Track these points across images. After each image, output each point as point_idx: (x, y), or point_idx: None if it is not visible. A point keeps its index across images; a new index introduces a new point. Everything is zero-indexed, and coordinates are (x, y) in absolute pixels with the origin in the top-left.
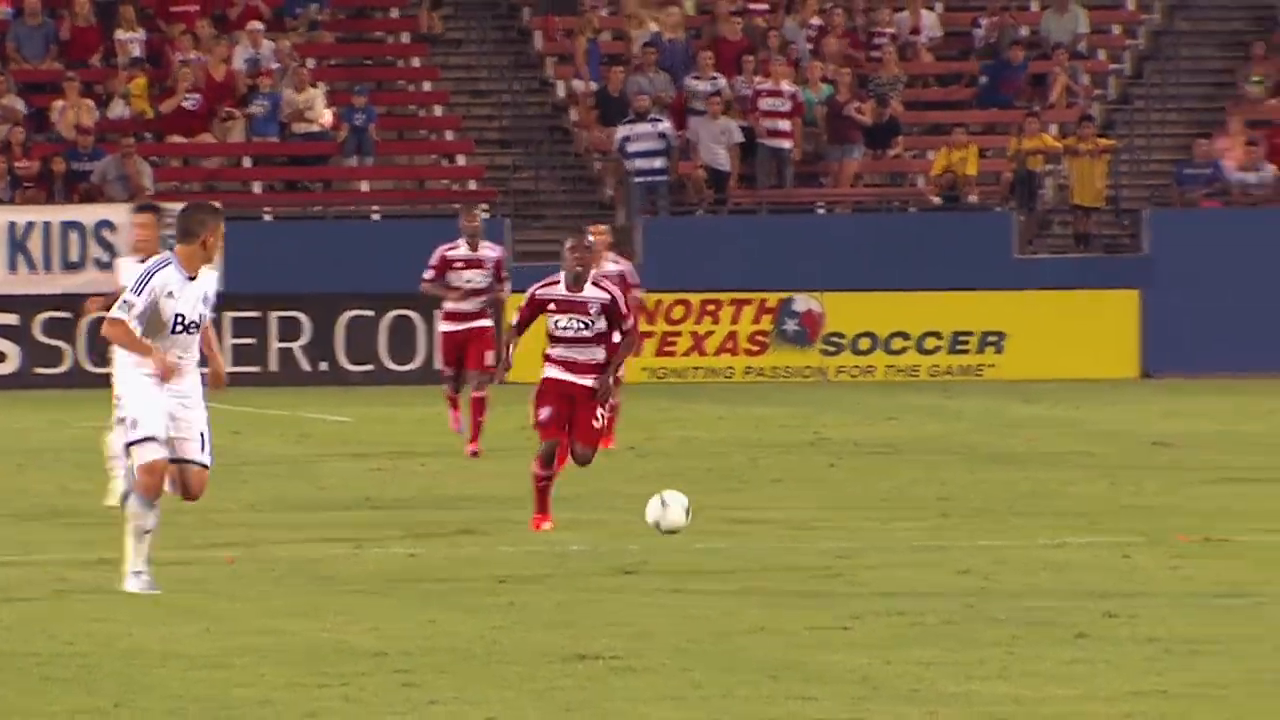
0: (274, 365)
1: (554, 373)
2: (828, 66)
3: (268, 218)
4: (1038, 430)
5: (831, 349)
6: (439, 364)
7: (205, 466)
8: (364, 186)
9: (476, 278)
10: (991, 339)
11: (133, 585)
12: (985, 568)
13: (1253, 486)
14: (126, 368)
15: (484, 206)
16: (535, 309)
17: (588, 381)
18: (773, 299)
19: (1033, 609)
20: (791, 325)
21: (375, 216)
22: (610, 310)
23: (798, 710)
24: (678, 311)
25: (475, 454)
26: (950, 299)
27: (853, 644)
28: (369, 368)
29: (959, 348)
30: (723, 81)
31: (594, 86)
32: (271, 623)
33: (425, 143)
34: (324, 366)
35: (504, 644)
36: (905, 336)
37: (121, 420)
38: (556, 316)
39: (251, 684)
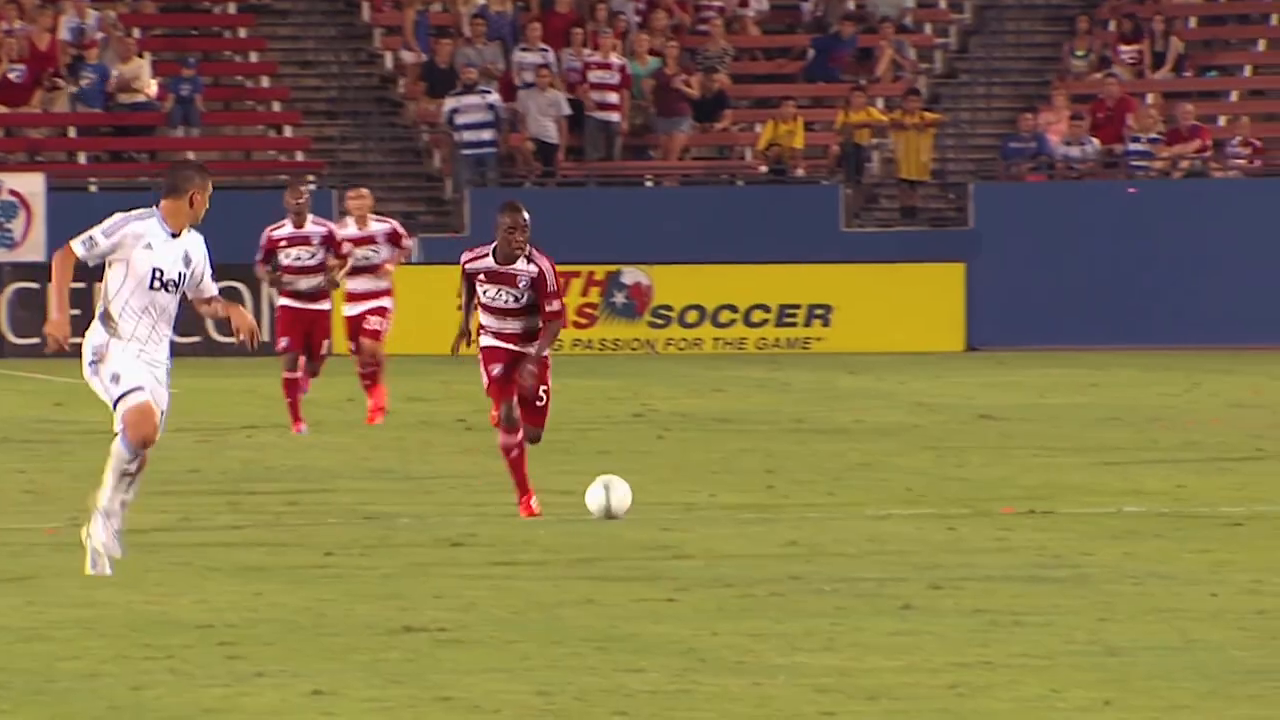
0: None
1: (490, 341)
2: (655, 39)
3: (94, 189)
4: (864, 402)
5: (660, 322)
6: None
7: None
8: (190, 157)
9: (304, 255)
10: (819, 312)
11: (98, 534)
12: (812, 539)
13: (1075, 459)
14: (95, 334)
15: (311, 180)
16: (468, 278)
17: (525, 349)
18: (601, 272)
19: (859, 581)
20: (620, 298)
21: None
22: (537, 284)
23: (624, 682)
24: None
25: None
26: (778, 272)
27: (679, 616)
28: (195, 339)
29: (786, 320)
30: (551, 54)
31: (422, 58)
32: (95, 595)
33: (252, 113)
34: None
35: (330, 616)
36: (733, 309)
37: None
38: (485, 287)
39: (76, 657)
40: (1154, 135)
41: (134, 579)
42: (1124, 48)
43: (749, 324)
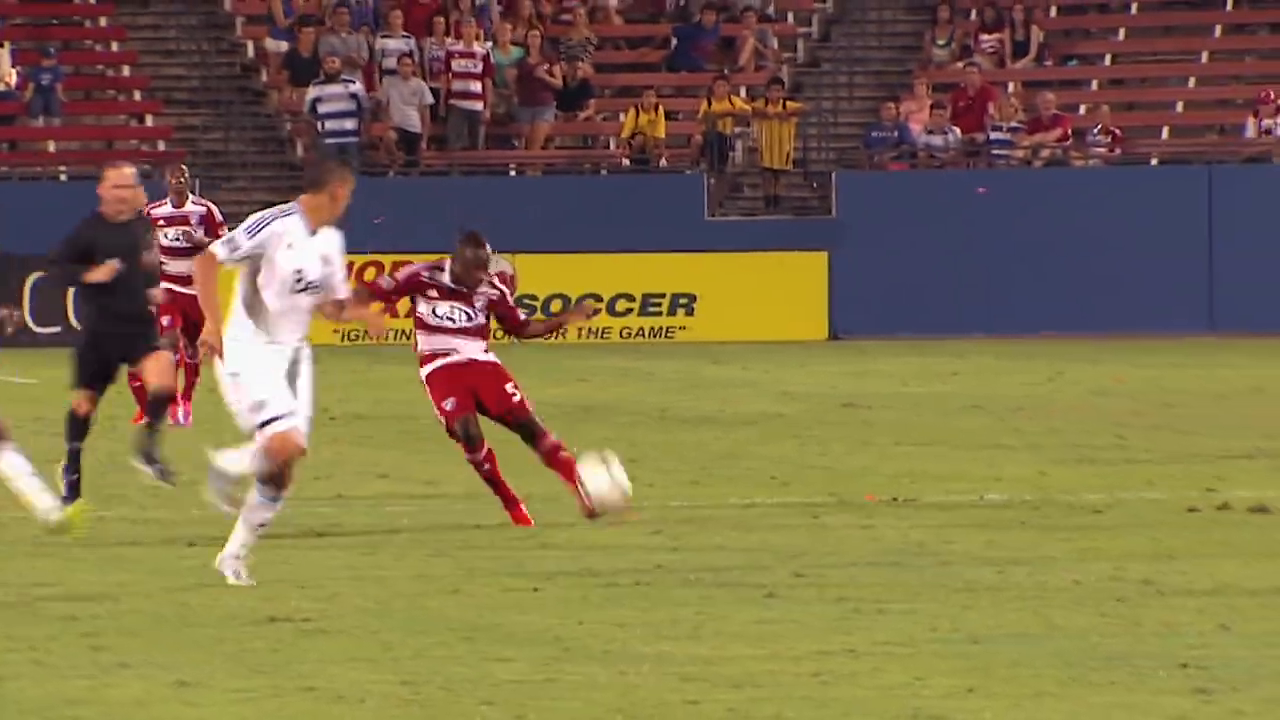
0: None
1: (442, 362)
2: (519, 28)
3: None
4: (729, 391)
5: (524, 311)
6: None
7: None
8: (50, 147)
9: (181, 236)
10: (683, 301)
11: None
12: (676, 528)
13: (939, 448)
14: (237, 342)
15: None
16: (412, 287)
17: (483, 356)
18: None
19: (723, 569)
20: None
21: (63, 178)
22: (498, 307)
23: (490, 671)
24: (369, 274)
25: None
26: (642, 261)
27: (545, 605)
28: (56, 329)
29: (650, 310)
30: (414, 42)
31: (285, 46)
32: None
33: (113, 103)
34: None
35: (194, 606)
36: (597, 298)
37: (242, 403)
38: (437, 303)
39: None
40: (1015, 124)
41: None
42: (985, 37)
43: (613, 313)
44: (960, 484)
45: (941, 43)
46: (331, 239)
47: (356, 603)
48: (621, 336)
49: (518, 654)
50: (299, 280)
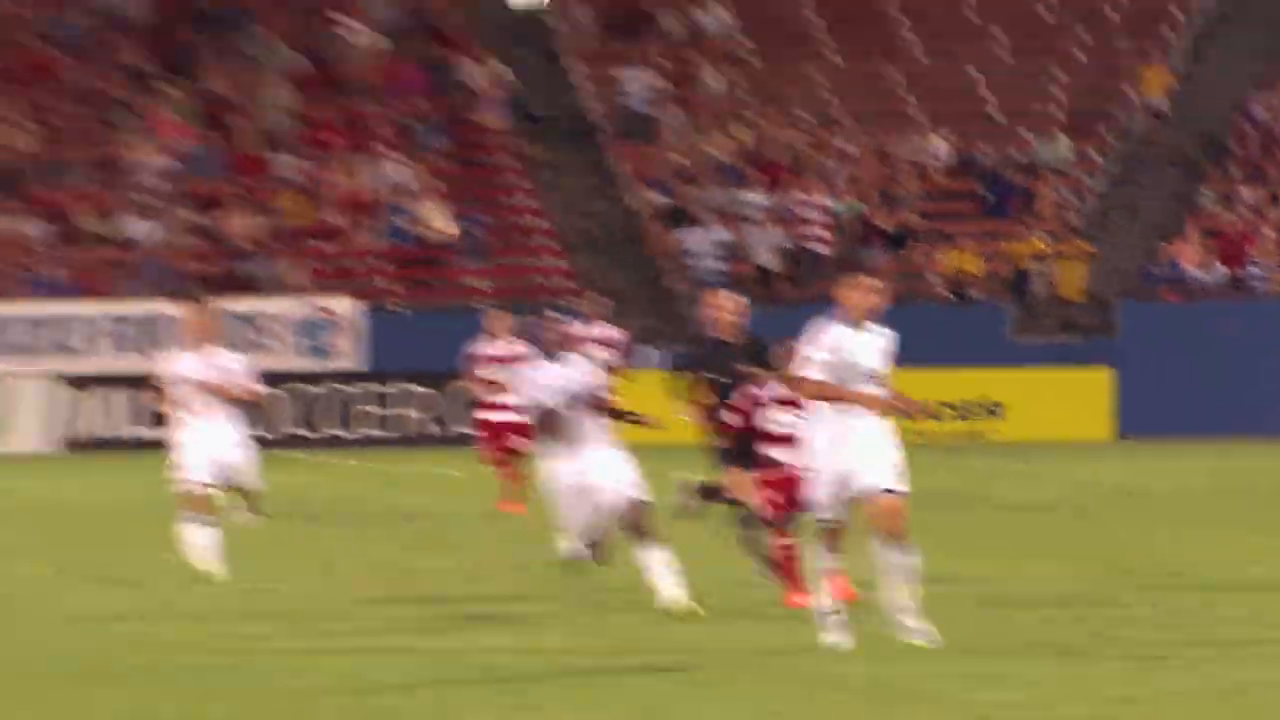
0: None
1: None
2: (856, 184)
3: (398, 309)
4: (1030, 481)
5: None
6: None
7: (893, 492)
8: (477, 283)
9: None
10: (990, 407)
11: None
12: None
13: (1207, 529)
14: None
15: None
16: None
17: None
18: None
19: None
20: None
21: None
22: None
23: None
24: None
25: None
26: (956, 375)
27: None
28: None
29: (963, 415)
30: (769, 196)
31: (664, 200)
32: None
33: (526, 247)
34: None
35: None
36: (951, 407)
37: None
38: (780, 414)
39: None
40: (1270, 263)
41: None
42: (1245, 190)
43: (934, 418)
44: (1226, 558)
45: (1208, 195)
46: (879, 333)
47: None
48: (941, 438)
49: None
50: (862, 374)
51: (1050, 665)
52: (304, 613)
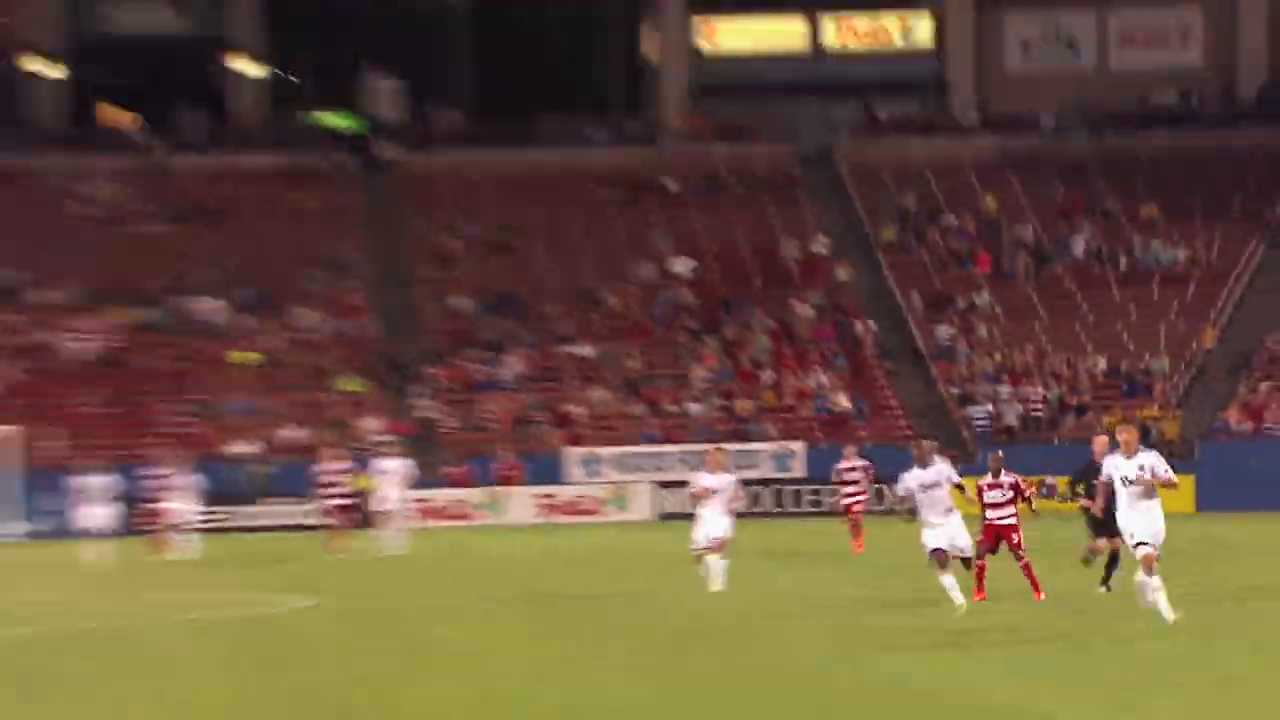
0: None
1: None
2: (1058, 380)
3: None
4: None
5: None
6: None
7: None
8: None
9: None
10: None
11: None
12: None
13: None
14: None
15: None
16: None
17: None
18: None
19: None
20: None
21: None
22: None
23: None
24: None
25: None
26: None
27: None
28: None
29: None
30: (1014, 390)
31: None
32: None
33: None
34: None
35: None
36: None
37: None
38: (990, 492)
39: None
40: None
41: None
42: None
43: None
44: None
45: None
46: (1148, 457)
47: None
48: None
49: None
50: (1123, 481)
51: None
52: None
